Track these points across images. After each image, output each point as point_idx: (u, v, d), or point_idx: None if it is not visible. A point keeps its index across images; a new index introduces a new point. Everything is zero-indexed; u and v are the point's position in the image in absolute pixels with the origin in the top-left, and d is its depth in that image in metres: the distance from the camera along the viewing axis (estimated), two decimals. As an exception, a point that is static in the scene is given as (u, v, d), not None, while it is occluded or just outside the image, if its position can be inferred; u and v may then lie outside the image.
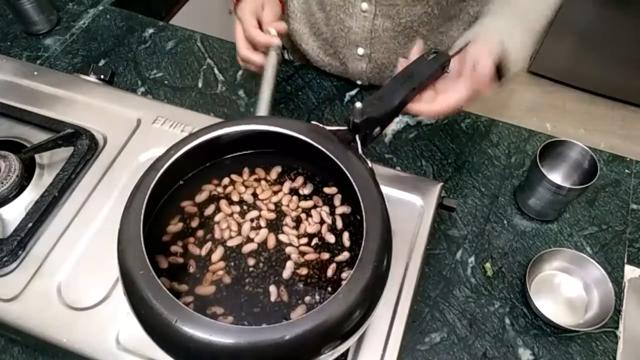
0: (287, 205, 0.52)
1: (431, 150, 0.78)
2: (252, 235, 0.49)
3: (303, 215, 0.51)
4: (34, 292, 0.54)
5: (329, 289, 0.46)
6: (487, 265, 0.68)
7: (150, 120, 0.67)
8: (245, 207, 0.51)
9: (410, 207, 0.60)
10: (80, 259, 0.56)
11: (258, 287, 0.46)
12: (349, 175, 0.46)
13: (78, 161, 0.62)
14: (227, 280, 0.46)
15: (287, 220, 0.50)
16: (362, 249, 0.42)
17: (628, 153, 0.80)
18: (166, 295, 0.39)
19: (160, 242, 0.49)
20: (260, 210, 0.51)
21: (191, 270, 0.47)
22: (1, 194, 0.60)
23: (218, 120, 0.67)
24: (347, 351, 0.51)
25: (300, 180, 0.53)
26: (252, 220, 0.50)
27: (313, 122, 0.51)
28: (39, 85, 0.70)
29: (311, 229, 0.50)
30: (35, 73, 0.72)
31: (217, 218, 0.51)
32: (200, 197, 0.52)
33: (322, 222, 0.50)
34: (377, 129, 0.53)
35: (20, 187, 0.62)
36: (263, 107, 0.65)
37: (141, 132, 0.66)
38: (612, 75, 1.94)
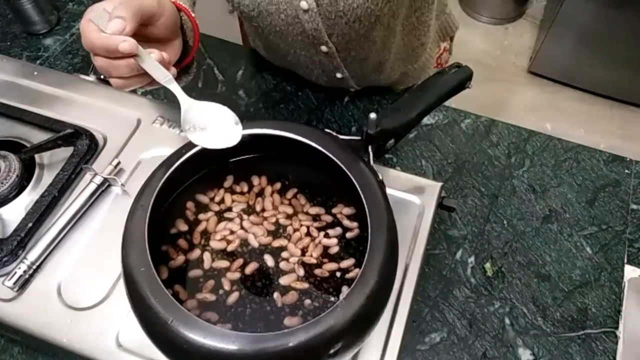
0: (292, 214, 0.51)
1: (431, 150, 0.78)
2: (255, 241, 0.49)
3: (308, 224, 0.50)
4: (34, 292, 0.54)
5: (331, 299, 0.46)
6: (487, 265, 0.68)
7: (150, 120, 0.67)
8: (249, 214, 0.51)
9: (410, 207, 0.60)
10: (80, 259, 0.56)
11: (260, 294, 0.46)
12: (357, 187, 0.46)
13: (78, 161, 0.62)
14: (226, 286, 0.46)
15: (291, 228, 0.50)
16: (364, 262, 0.42)
17: (628, 153, 0.80)
18: (164, 295, 0.39)
19: (165, 243, 0.49)
20: (264, 217, 0.51)
21: (192, 274, 0.47)
22: (1, 194, 0.60)
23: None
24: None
25: (307, 187, 0.53)
26: (256, 227, 0.50)
27: (327, 130, 0.51)
28: (39, 85, 0.70)
29: (316, 239, 0.49)
30: (35, 73, 0.72)
31: (221, 224, 0.51)
32: (206, 201, 0.52)
33: (327, 232, 0.50)
34: (392, 141, 0.52)
35: (20, 187, 0.62)
36: None
37: (141, 132, 0.66)
38: (612, 75, 1.94)
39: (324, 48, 0.72)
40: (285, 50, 0.76)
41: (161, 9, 0.48)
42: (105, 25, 0.44)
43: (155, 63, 0.45)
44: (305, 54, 0.75)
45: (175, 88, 0.47)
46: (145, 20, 0.47)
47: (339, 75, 0.79)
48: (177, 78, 0.55)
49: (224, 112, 0.48)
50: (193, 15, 0.55)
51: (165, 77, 0.46)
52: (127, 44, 0.43)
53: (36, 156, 0.64)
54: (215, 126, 0.47)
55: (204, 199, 0.52)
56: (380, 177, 0.48)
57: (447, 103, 0.62)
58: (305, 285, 0.46)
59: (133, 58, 0.45)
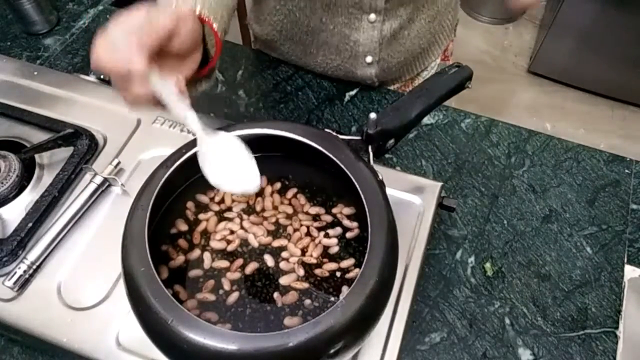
0: (292, 214, 0.51)
1: (431, 150, 0.78)
2: (255, 241, 0.49)
3: (308, 224, 0.50)
4: (34, 292, 0.54)
5: (331, 299, 0.46)
6: (487, 265, 0.68)
7: (150, 120, 0.67)
8: (249, 214, 0.51)
9: (410, 207, 0.60)
10: (80, 259, 0.56)
11: (260, 294, 0.46)
12: (357, 187, 0.46)
13: (78, 161, 0.62)
14: (226, 286, 0.46)
15: (291, 228, 0.50)
16: (364, 262, 0.41)
17: (628, 153, 0.80)
18: (164, 295, 0.39)
19: (165, 243, 0.49)
20: (264, 217, 0.51)
21: (192, 274, 0.47)
22: (1, 194, 0.60)
23: (218, 120, 0.67)
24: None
25: (307, 187, 0.53)
26: (256, 227, 0.50)
27: (327, 130, 0.51)
28: (39, 85, 0.71)
29: (316, 239, 0.49)
30: (35, 73, 0.72)
31: (221, 224, 0.50)
32: (206, 201, 0.52)
33: (327, 232, 0.50)
34: (391, 141, 0.53)
35: (20, 187, 0.62)
36: None
37: (141, 132, 0.66)
38: (612, 75, 1.94)
39: (372, 17, 0.73)
40: (324, 26, 0.76)
41: (178, 28, 0.44)
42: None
43: (173, 98, 0.43)
44: (346, 30, 0.75)
45: (193, 122, 0.44)
46: (162, 43, 0.43)
47: (369, 59, 0.79)
48: (198, 84, 0.53)
49: (238, 147, 0.45)
50: (215, 26, 0.50)
51: (184, 113, 0.43)
52: (138, 64, 0.40)
53: (36, 156, 0.64)
54: (232, 165, 0.45)
55: (204, 198, 0.52)
56: (380, 177, 0.48)
57: (447, 103, 0.62)
58: (305, 285, 0.46)
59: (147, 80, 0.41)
